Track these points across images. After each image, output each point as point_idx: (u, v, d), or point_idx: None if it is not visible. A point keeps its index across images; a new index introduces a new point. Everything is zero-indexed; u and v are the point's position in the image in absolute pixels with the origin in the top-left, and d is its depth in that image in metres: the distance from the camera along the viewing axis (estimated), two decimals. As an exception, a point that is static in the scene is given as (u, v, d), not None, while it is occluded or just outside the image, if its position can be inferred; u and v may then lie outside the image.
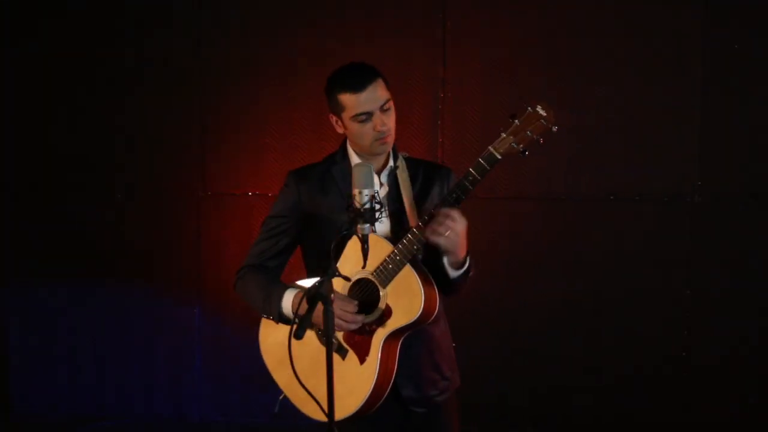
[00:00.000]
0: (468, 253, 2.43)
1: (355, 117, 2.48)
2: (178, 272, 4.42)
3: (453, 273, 2.44)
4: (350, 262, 2.47)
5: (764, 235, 3.91)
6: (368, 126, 2.48)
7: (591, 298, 4.06)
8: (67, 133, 4.45)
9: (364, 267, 2.39)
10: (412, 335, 2.48)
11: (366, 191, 2.22)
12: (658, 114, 3.96)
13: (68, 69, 4.42)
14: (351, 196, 2.23)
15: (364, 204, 2.21)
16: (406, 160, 2.61)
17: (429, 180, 2.58)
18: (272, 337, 2.68)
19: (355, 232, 2.23)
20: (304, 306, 2.21)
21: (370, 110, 2.47)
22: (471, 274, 2.48)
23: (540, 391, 4.12)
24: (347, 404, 2.43)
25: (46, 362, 4.55)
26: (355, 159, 2.58)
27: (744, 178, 3.91)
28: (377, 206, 2.22)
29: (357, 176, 2.23)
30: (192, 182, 4.38)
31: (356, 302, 2.47)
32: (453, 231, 2.32)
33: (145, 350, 4.46)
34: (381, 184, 2.56)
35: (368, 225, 2.22)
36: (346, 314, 2.43)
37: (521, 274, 4.09)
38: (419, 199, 2.55)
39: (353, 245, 2.44)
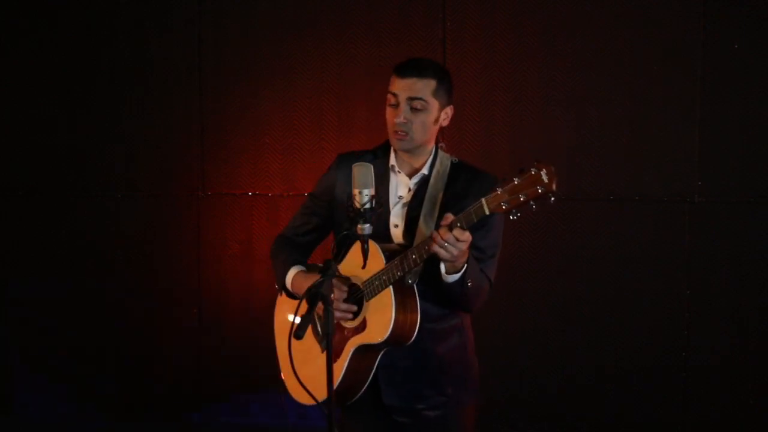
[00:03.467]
0: (467, 261, 2.36)
1: (389, 95, 2.50)
2: (178, 272, 4.42)
3: (447, 277, 2.39)
4: (352, 264, 2.48)
5: (764, 235, 3.91)
6: (392, 113, 2.48)
7: (591, 298, 4.06)
8: (67, 133, 4.45)
9: (363, 267, 2.39)
10: (403, 348, 2.46)
11: (366, 191, 2.22)
12: (659, 114, 3.96)
13: (68, 69, 4.42)
14: (351, 196, 2.24)
15: (364, 204, 2.22)
16: (454, 165, 2.56)
17: (466, 189, 2.50)
18: (283, 310, 2.75)
19: (355, 232, 2.23)
20: (305, 306, 2.21)
21: (397, 93, 2.47)
22: (471, 283, 2.39)
23: (539, 391, 4.12)
24: (318, 393, 2.40)
25: (46, 362, 4.55)
26: (392, 157, 2.57)
27: (744, 178, 3.91)
28: (377, 206, 2.23)
29: (357, 176, 2.23)
30: (192, 182, 4.38)
31: (347, 289, 2.48)
32: (453, 245, 2.25)
33: (145, 350, 4.46)
34: (409, 189, 2.54)
35: (368, 225, 2.23)
36: (334, 299, 2.43)
37: (521, 274, 4.08)
38: (448, 206, 2.45)
39: (357, 246, 2.43)
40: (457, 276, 2.37)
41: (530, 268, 4.09)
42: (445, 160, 2.56)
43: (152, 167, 4.41)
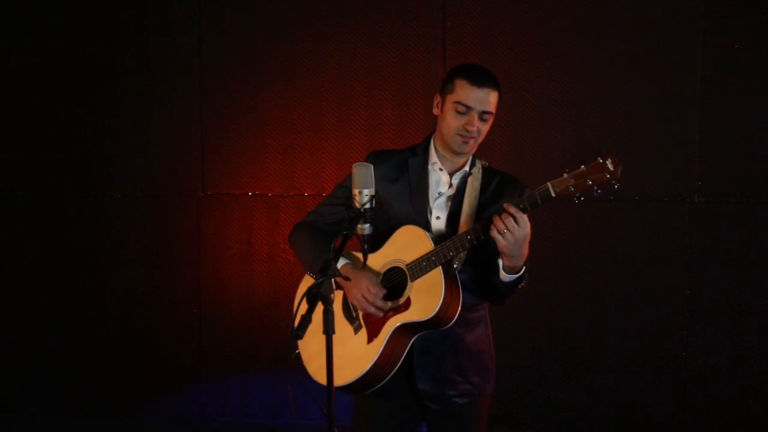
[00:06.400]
0: (526, 264, 2.45)
1: (457, 104, 2.53)
2: (178, 272, 4.42)
3: (505, 276, 2.46)
4: (397, 248, 2.53)
5: (764, 235, 3.91)
6: (461, 119, 2.53)
7: (591, 297, 4.06)
8: (67, 133, 4.45)
9: (363, 267, 2.40)
10: (438, 334, 2.51)
11: (366, 191, 2.23)
12: (658, 114, 3.96)
13: (68, 69, 4.42)
14: (351, 196, 2.24)
15: (364, 204, 2.22)
16: (486, 169, 2.65)
17: (500, 192, 2.61)
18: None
19: (356, 232, 2.24)
20: (305, 306, 2.21)
21: (472, 106, 2.51)
22: (522, 285, 2.50)
23: (539, 391, 4.12)
24: (345, 375, 2.51)
25: (46, 361, 4.55)
26: (433, 155, 2.63)
27: (744, 178, 3.91)
28: (377, 206, 2.24)
29: (357, 176, 2.25)
30: (192, 182, 4.38)
31: (384, 290, 2.52)
32: (511, 233, 2.32)
33: (146, 350, 4.46)
34: (450, 185, 2.60)
35: (368, 225, 2.24)
36: (370, 295, 2.49)
37: (521, 274, 4.08)
38: (483, 208, 2.57)
39: (401, 235, 2.52)
40: (514, 276, 2.46)
41: (530, 267, 4.07)
42: (477, 162, 2.65)
43: (152, 167, 4.40)
